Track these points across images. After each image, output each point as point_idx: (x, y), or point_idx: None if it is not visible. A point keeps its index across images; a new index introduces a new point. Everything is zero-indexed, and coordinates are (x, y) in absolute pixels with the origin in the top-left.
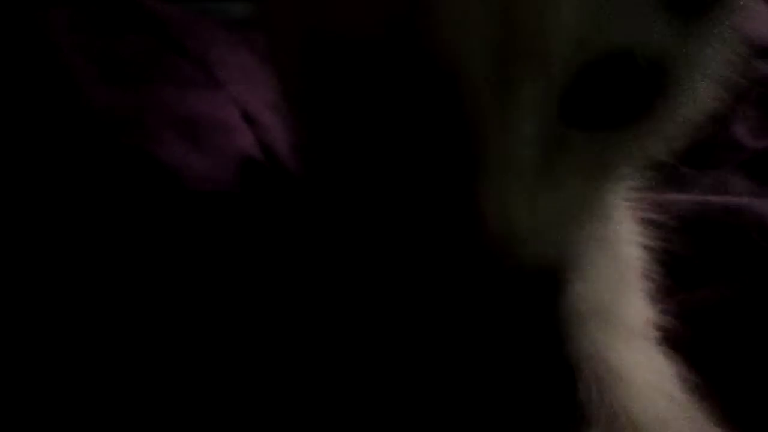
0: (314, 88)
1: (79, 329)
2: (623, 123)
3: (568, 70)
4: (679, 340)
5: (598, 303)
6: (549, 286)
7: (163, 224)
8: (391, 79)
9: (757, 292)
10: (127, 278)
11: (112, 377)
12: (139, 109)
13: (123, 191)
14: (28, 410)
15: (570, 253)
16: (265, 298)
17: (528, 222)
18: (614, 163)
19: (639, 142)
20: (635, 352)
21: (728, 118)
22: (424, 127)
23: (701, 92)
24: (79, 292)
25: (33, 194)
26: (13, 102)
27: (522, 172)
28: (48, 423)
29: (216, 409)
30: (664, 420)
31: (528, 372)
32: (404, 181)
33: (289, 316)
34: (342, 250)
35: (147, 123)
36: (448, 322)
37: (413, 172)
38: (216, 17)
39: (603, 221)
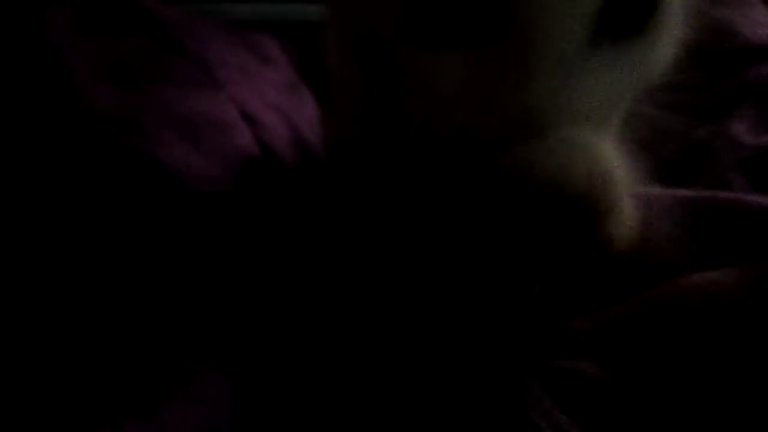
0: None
1: (76, 329)
2: (635, 33)
3: None
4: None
5: None
6: None
7: (163, 223)
8: None
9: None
10: (126, 277)
11: (108, 374)
12: (139, 109)
13: (123, 191)
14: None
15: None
16: (265, 296)
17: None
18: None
19: (642, 58)
20: None
21: (727, 116)
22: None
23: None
24: (77, 292)
25: (31, 194)
26: (12, 101)
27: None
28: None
29: (216, 409)
30: None
31: None
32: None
33: (289, 314)
34: (357, 246)
35: (146, 123)
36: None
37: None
38: (216, 18)
39: None
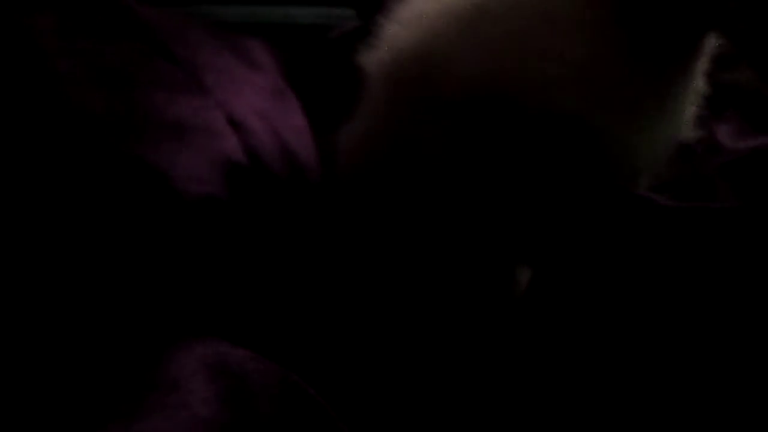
0: None
1: (60, 332)
2: None
3: None
4: None
5: None
6: None
7: (152, 225)
8: None
9: None
10: (112, 278)
11: (88, 380)
12: (127, 113)
13: (111, 191)
14: None
15: None
16: (252, 298)
17: None
18: None
19: None
20: None
21: (712, 120)
22: None
23: None
24: (63, 293)
25: (22, 197)
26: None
27: None
28: None
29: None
30: None
31: None
32: None
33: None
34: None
35: (135, 127)
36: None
37: None
38: (206, 20)
39: None
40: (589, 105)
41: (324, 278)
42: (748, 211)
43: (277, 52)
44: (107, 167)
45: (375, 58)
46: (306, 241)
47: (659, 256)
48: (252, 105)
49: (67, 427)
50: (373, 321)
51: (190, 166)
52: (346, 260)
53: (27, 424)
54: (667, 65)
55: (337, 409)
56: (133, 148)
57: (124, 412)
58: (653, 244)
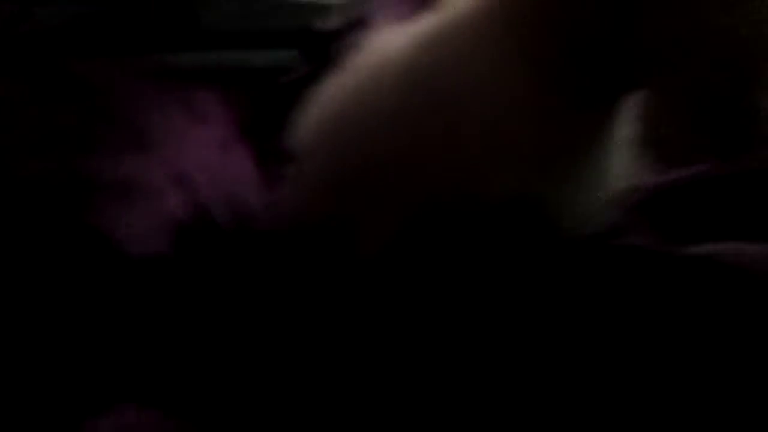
0: None
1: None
2: None
3: None
4: None
5: None
6: None
7: (97, 285)
8: None
9: None
10: (64, 338)
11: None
12: (71, 178)
13: (56, 258)
14: None
15: None
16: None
17: None
18: None
19: None
20: None
21: None
22: None
23: None
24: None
25: None
26: None
27: None
28: None
29: None
30: None
31: None
32: None
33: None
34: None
35: (78, 192)
36: None
37: None
38: (162, 68)
39: None
40: (522, 179)
41: (266, 333)
42: (654, 249)
43: (230, 100)
44: (51, 233)
45: (309, 122)
46: (251, 295)
47: (571, 291)
48: (198, 160)
49: None
50: (314, 381)
51: (135, 226)
52: (291, 312)
53: None
54: (591, 125)
55: None
56: (77, 212)
57: None
58: (564, 280)
